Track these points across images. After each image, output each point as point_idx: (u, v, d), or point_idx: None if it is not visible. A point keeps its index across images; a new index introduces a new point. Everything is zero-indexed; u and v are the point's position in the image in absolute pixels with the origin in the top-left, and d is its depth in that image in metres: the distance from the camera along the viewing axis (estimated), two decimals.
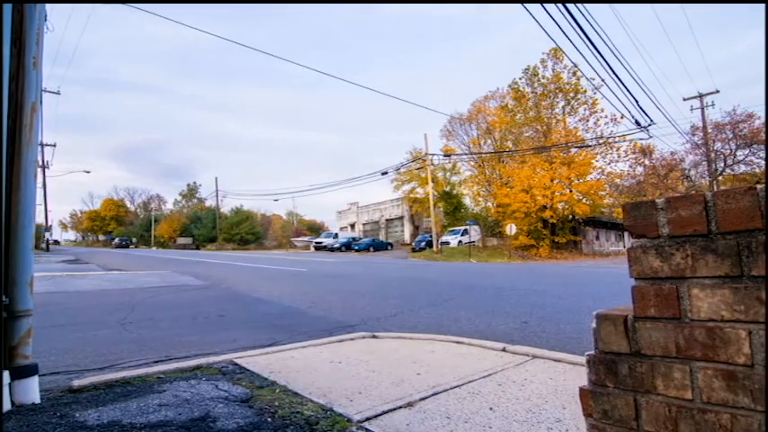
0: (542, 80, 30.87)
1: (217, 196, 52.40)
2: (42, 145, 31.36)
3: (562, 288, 8.05)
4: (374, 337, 3.89)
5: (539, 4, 7.73)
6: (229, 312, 5.78)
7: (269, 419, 1.99)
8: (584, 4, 8.49)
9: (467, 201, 39.26)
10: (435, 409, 2.12)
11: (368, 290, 8.17)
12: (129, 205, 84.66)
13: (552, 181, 28.32)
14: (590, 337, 1.21)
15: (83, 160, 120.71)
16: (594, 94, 27.72)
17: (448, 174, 39.89)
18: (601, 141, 29.20)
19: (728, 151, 27.19)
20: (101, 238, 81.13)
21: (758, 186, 0.94)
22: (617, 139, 27.86)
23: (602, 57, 10.08)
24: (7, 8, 2.15)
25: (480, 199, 36.46)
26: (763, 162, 25.44)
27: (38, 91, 2.35)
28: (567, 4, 7.95)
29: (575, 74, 28.94)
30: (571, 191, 29.02)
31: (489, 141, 35.87)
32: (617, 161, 30.02)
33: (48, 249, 37.70)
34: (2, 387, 2.01)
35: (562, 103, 30.85)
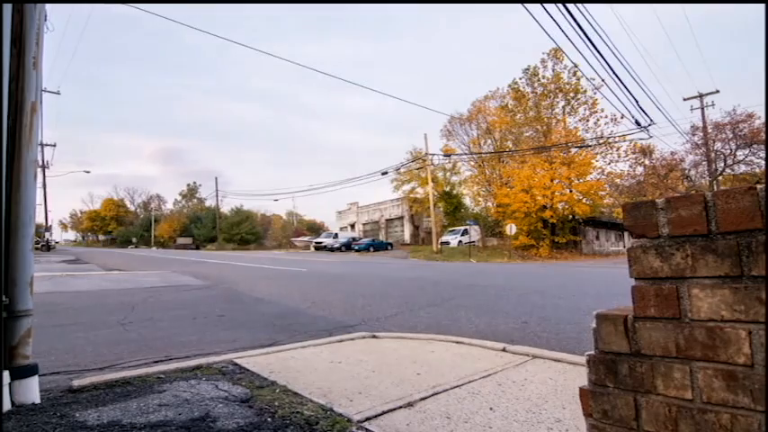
0: (542, 80, 30.89)
1: (217, 196, 52.46)
2: (42, 145, 31.38)
3: (562, 288, 8.05)
4: (374, 337, 3.89)
5: (539, 4, 7.73)
6: (229, 312, 5.78)
7: (269, 419, 1.99)
8: (584, 4, 8.50)
9: (467, 201, 39.26)
10: (435, 409, 2.12)
11: (368, 290, 8.17)
12: (129, 205, 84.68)
13: (552, 181, 28.32)
14: (590, 337, 1.21)
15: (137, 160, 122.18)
16: (594, 94, 27.75)
17: (448, 174, 39.90)
18: (601, 141, 29.19)
19: (728, 151, 27.20)
20: (101, 237, 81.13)
21: (758, 186, 0.94)
22: (617, 139, 27.87)
23: (603, 57, 10.09)
24: (7, 8, 2.15)
25: (480, 199, 36.46)
26: (763, 162, 25.44)
27: (38, 91, 2.35)
28: (567, 4, 7.95)
29: (575, 74, 28.95)
30: (571, 191, 29.01)
31: (489, 141, 35.85)
32: (617, 161, 30.03)
33: (48, 249, 37.67)
34: (2, 387, 2.01)
35: (562, 103, 30.85)
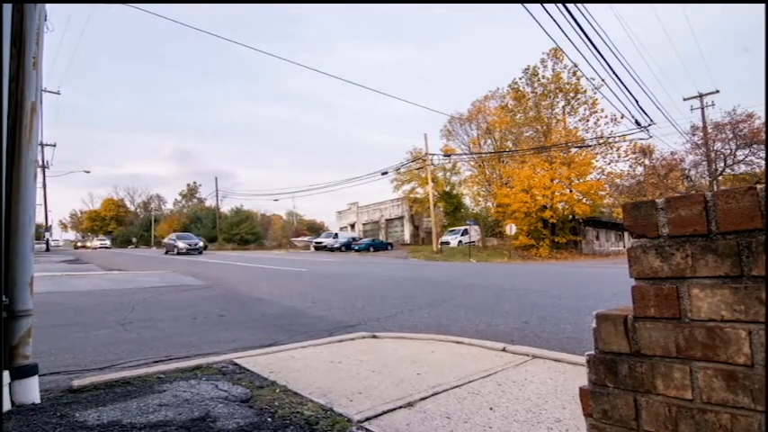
0: (542, 80, 30.89)
1: (217, 196, 52.43)
2: (42, 145, 31.37)
3: (562, 288, 8.05)
4: (374, 337, 3.89)
5: (539, 5, 7.74)
6: (229, 312, 5.78)
7: (269, 419, 1.99)
8: (584, 4, 8.50)
9: (467, 201, 39.28)
10: (435, 409, 2.12)
11: (368, 290, 8.17)
12: (129, 205, 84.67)
13: (552, 181, 28.33)
14: (590, 337, 1.21)
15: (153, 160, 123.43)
16: (594, 93, 27.75)
17: (448, 174, 39.92)
18: (601, 141, 29.20)
19: (728, 151, 27.19)
20: (101, 237, 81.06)
21: (758, 186, 0.94)
22: (617, 139, 27.87)
23: (603, 57, 10.08)
24: (7, 8, 2.15)
25: (480, 199, 36.48)
26: (763, 162, 25.43)
27: (38, 91, 2.35)
28: (567, 4, 7.95)
29: (575, 74, 28.95)
30: (571, 191, 29.02)
31: (489, 141, 35.86)
32: (617, 161, 30.05)
33: (48, 249, 37.71)
34: (2, 387, 2.01)
35: (562, 103, 30.86)
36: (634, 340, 1.11)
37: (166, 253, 26.89)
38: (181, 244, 25.55)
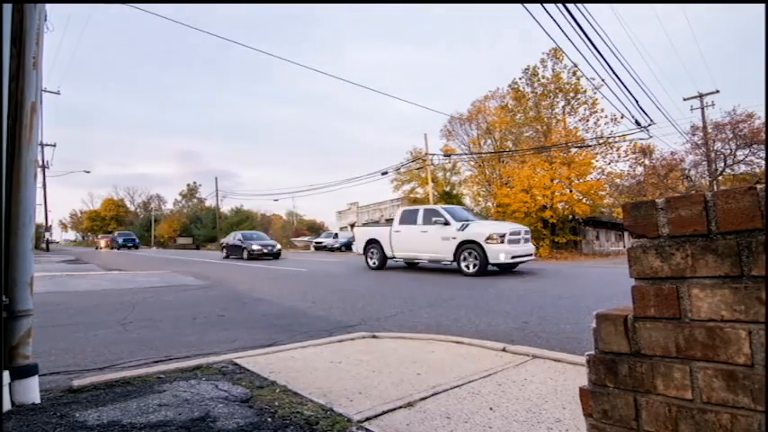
0: (542, 80, 30.87)
1: (217, 196, 52.40)
2: (42, 145, 31.36)
3: (562, 288, 8.05)
4: (374, 337, 3.89)
5: (539, 5, 7.74)
6: (229, 312, 5.78)
7: (269, 419, 1.99)
8: (584, 4, 8.50)
9: (467, 201, 39.25)
10: (435, 409, 2.12)
11: (368, 290, 8.17)
12: (129, 205, 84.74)
13: (552, 181, 28.32)
14: (590, 337, 1.21)
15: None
16: (594, 93, 27.72)
17: (448, 174, 39.93)
18: (601, 141, 29.20)
19: (728, 151, 27.19)
20: (101, 237, 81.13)
21: (758, 186, 0.94)
22: (617, 139, 27.87)
23: (603, 57, 10.07)
24: (7, 8, 2.15)
25: (480, 199, 36.47)
26: (763, 162, 25.44)
27: (38, 91, 2.35)
28: (567, 4, 7.95)
29: (575, 74, 28.93)
30: (571, 191, 29.01)
31: (489, 141, 35.86)
32: (617, 161, 30.00)
33: (48, 249, 37.72)
34: (2, 387, 2.01)
35: (562, 103, 30.84)
36: (634, 340, 1.11)
37: (227, 257, 23.03)
38: (255, 246, 21.28)
